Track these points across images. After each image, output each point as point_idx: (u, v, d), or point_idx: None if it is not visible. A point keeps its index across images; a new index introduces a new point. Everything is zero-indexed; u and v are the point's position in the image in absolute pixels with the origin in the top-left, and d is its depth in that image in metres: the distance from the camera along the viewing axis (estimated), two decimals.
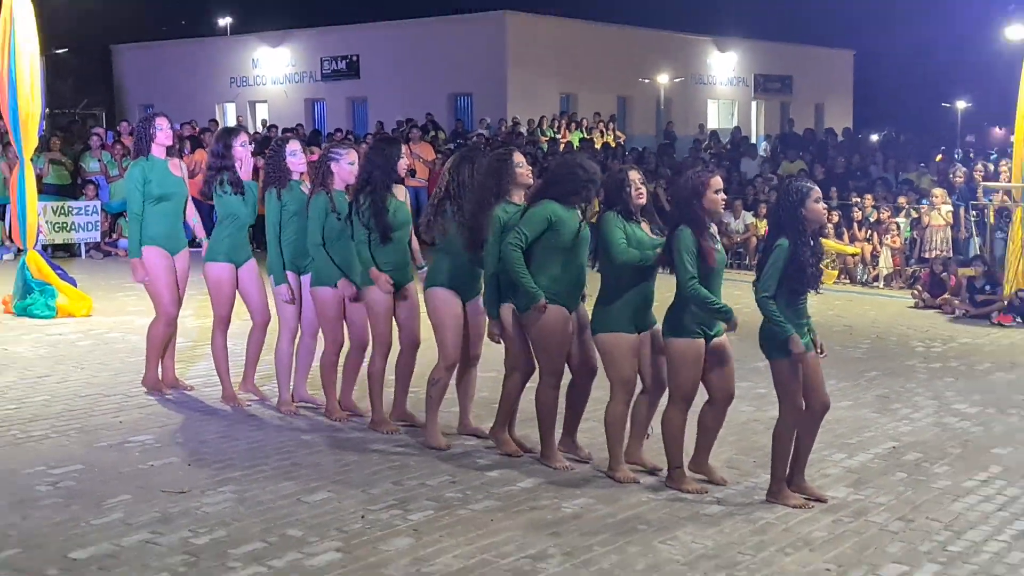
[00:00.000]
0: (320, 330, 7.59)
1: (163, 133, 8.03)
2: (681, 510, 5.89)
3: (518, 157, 6.70)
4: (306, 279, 7.53)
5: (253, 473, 6.38)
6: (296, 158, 7.57)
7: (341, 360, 7.59)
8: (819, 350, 6.01)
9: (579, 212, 6.42)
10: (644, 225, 6.27)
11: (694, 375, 6.07)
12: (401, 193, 7.19)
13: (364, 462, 6.63)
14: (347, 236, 7.17)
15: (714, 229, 6.13)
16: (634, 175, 6.23)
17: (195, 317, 11.36)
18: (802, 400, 5.93)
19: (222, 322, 7.96)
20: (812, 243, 5.84)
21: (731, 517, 5.80)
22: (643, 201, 6.26)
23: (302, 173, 7.64)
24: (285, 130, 23.80)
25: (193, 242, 8.60)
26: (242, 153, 7.85)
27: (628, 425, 6.44)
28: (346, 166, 7.30)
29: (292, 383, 7.81)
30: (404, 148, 7.35)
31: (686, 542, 5.42)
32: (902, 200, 16.70)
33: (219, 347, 7.97)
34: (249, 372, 8.12)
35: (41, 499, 5.88)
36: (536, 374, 6.65)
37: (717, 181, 6.04)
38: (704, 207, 5.98)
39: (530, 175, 6.71)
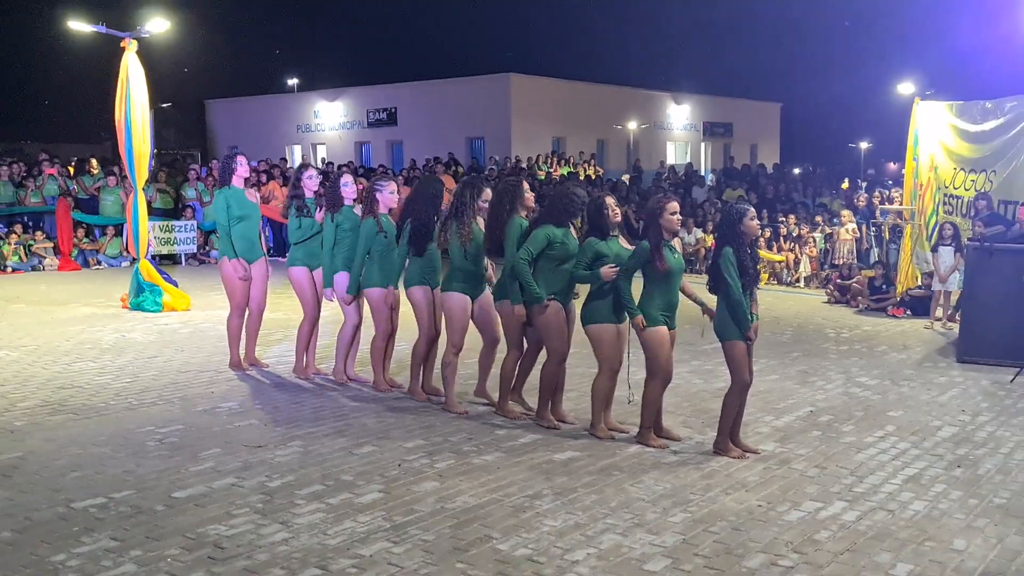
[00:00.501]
0: (373, 320, 7.58)
1: (242, 167, 8.06)
2: (647, 460, 5.88)
3: (526, 185, 6.71)
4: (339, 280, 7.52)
5: (315, 431, 6.38)
6: (348, 188, 7.55)
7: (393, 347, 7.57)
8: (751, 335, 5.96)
9: (572, 228, 6.42)
10: (621, 240, 6.28)
11: (667, 354, 6.05)
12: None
13: (400, 423, 6.64)
14: (391, 251, 7.16)
15: (676, 242, 6.15)
16: (610, 200, 6.24)
17: (270, 311, 11.34)
18: (748, 374, 5.91)
19: (308, 314, 7.91)
20: (750, 251, 5.85)
21: (684, 465, 5.79)
22: (619, 220, 6.29)
23: (354, 199, 7.64)
24: (340, 166, 23.77)
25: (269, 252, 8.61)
26: (310, 184, 7.85)
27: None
28: (387, 195, 7.28)
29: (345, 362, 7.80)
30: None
31: (650, 485, 5.41)
32: (818, 219, 16.65)
33: (304, 334, 7.94)
34: (311, 355, 8.10)
35: (150, 452, 5.90)
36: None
37: (674, 205, 6.03)
38: (663, 224, 5.99)
39: (533, 199, 6.73)
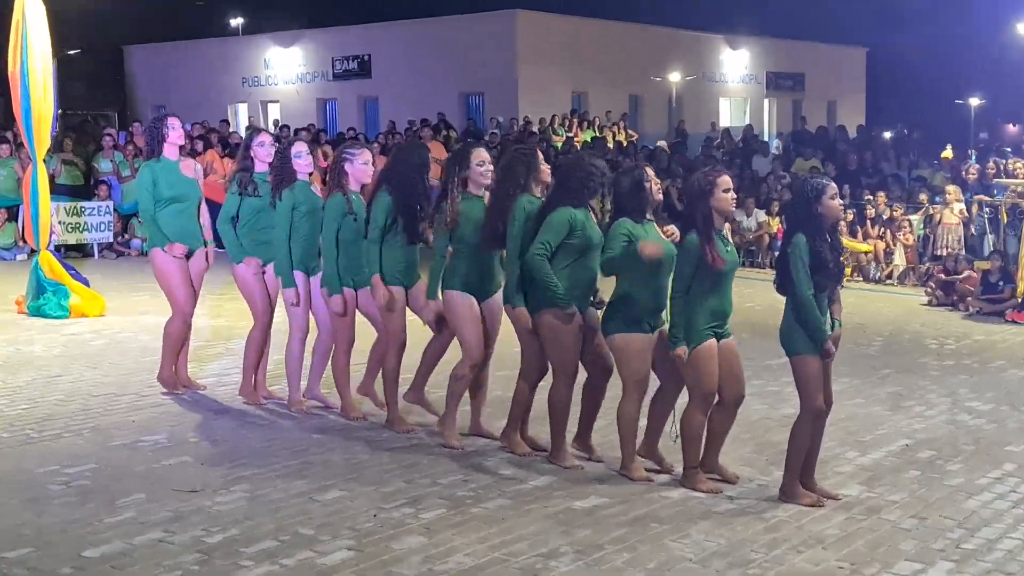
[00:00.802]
0: (333, 329, 7.59)
1: (175, 133, 8.05)
2: (694, 508, 5.88)
3: (540, 155, 6.73)
4: (316, 280, 7.56)
5: (265, 472, 6.39)
6: (302, 160, 7.56)
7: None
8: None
9: (591, 212, 6.42)
10: (656, 226, 6.28)
11: (711, 373, 6.06)
12: None
13: (375, 461, 6.64)
14: (361, 238, 7.19)
15: (727, 229, 6.14)
16: (651, 172, 6.26)
17: (208, 317, 11.38)
18: (823, 398, 5.91)
19: (259, 321, 7.94)
20: (829, 238, 5.84)
21: (744, 515, 5.79)
22: (660, 199, 6.30)
23: (310, 173, 7.65)
24: (296, 130, 23.82)
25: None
26: (262, 153, 7.85)
27: (645, 422, 6.44)
28: (359, 166, 7.30)
29: (306, 382, 7.82)
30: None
31: (698, 540, 5.41)
32: (922, 197, 16.63)
33: (254, 344, 7.94)
34: (260, 372, 8.12)
35: (54, 498, 5.90)
36: (549, 375, 6.66)
37: (725, 180, 6.03)
38: (715, 207, 5.98)
39: (549, 173, 6.73)
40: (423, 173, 7.13)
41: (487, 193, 6.78)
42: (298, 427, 7.40)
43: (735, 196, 6.12)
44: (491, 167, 6.80)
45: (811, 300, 5.77)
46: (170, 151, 8.06)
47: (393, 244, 7.06)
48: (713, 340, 6.05)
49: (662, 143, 25.55)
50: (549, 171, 6.73)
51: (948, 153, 21.26)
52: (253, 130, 8.23)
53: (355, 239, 7.23)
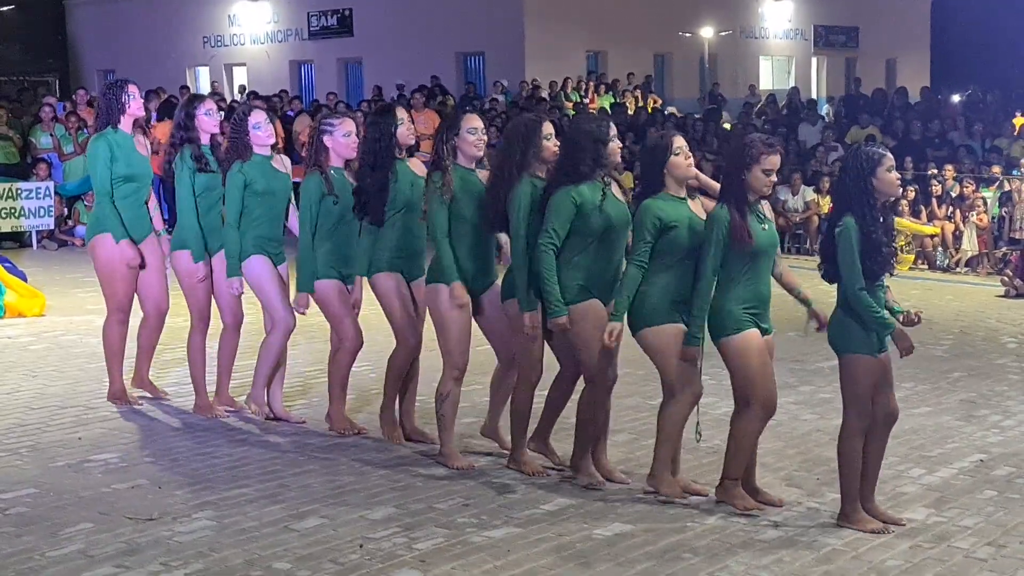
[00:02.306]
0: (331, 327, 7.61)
1: (135, 103, 8.09)
2: (733, 536, 5.87)
3: (547, 128, 6.68)
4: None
5: (233, 496, 6.38)
6: (261, 132, 7.58)
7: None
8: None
9: (612, 186, 6.41)
10: (694, 204, 6.28)
11: (763, 372, 6.04)
12: (419, 167, 7.22)
13: (361, 482, 6.64)
14: (347, 222, 7.21)
15: (767, 209, 6.15)
16: (680, 142, 6.25)
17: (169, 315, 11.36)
18: (871, 406, 5.91)
19: (200, 321, 8.05)
20: (883, 219, 5.83)
21: (791, 544, 5.78)
22: (692, 173, 6.29)
23: (272, 146, 7.68)
24: (251, 95, 23.73)
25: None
26: (207, 123, 7.87)
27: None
28: (341, 139, 7.30)
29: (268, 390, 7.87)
30: (405, 114, 7.32)
31: (738, 573, 5.40)
32: (994, 169, 16.59)
33: (196, 350, 8.04)
34: (223, 381, 8.13)
35: None
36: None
37: (774, 160, 6.03)
38: (749, 183, 5.99)
39: (557, 150, 6.68)
40: (389, 134, 7.13)
41: (480, 169, 6.82)
42: (272, 444, 7.41)
43: (775, 180, 6.14)
44: (484, 136, 6.84)
45: (861, 295, 5.74)
46: (127, 123, 8.09)
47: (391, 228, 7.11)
48: (756, 330, 6.04)
49: (696, 111, 25.48)
50: (555, 146, 6.63)
51: (1021, 119, 21.15)
52: (194, 97, 8.23)
53: (337, 225, 7.23)
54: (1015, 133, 19.76)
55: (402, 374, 7.35)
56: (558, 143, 6.62)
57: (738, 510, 6.14)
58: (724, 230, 5.98)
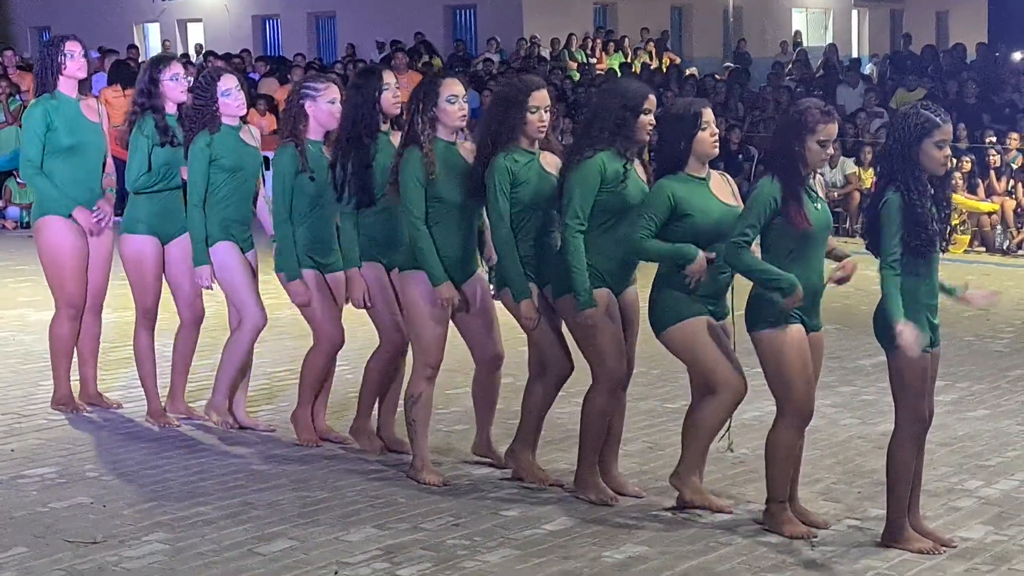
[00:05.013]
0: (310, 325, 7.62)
1: (75, 62, 8.04)
2: (762, 559, 5.88)
3: (538, 98, 6.63)
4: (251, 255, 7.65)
5: (190, 516, 6.39)
6: (231, 99, 7.58)
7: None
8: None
9: (623, 164, 6.40)
10: (715, 183, 6.31)
11: (803, 376, 6.03)
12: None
13: (337, 499, 6.64)
14: (324, 203, 7.22)
15: (819, 184, 6.16)
16: (709, 115, 6.25)
17: (114, 311, 11.37)
18: (925, 409, 5.91)
19: (145, 316, 8.01)
20: (934, 194, 5.82)
21: (828, 567, 5.78)
22: (716, 149, 6.31)
23: (241, 117, 7.69)
24: (209, 57, 23.72)
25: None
26: (173, 90, 7.85)
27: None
28: (323, 106, 7.30)
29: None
30: (392, 78, 7.32)
31: None
32: None
33: (143, 349, 8.04)
34: (178, 384, 8.13)
35: None
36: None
37: (832, 128, 6.06)
38: (805, 154, 5.99)
39: (544, 126, 6.65)
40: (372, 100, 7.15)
41: (461, 141, 6.84)
42: (235, 455, 7.41)
43: (831, 153, 6.12)
44: (466, 103, 6.80)
45: (888, 271, 5.71)
46: (67, 86, 8.06)
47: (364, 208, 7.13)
48: (800, 325, 6.04)
49: (720, 72, 25.47)
50: (544, 123, 6.61)
51: None
52: (160, 58, 8.22)
53: (313, 206, 7.23)
54: None
55: (384, 378, 7.35)
56: (542, 118, 6.59)
57: (786, 536, 6.11)
58: (771, 206, 5.95)
